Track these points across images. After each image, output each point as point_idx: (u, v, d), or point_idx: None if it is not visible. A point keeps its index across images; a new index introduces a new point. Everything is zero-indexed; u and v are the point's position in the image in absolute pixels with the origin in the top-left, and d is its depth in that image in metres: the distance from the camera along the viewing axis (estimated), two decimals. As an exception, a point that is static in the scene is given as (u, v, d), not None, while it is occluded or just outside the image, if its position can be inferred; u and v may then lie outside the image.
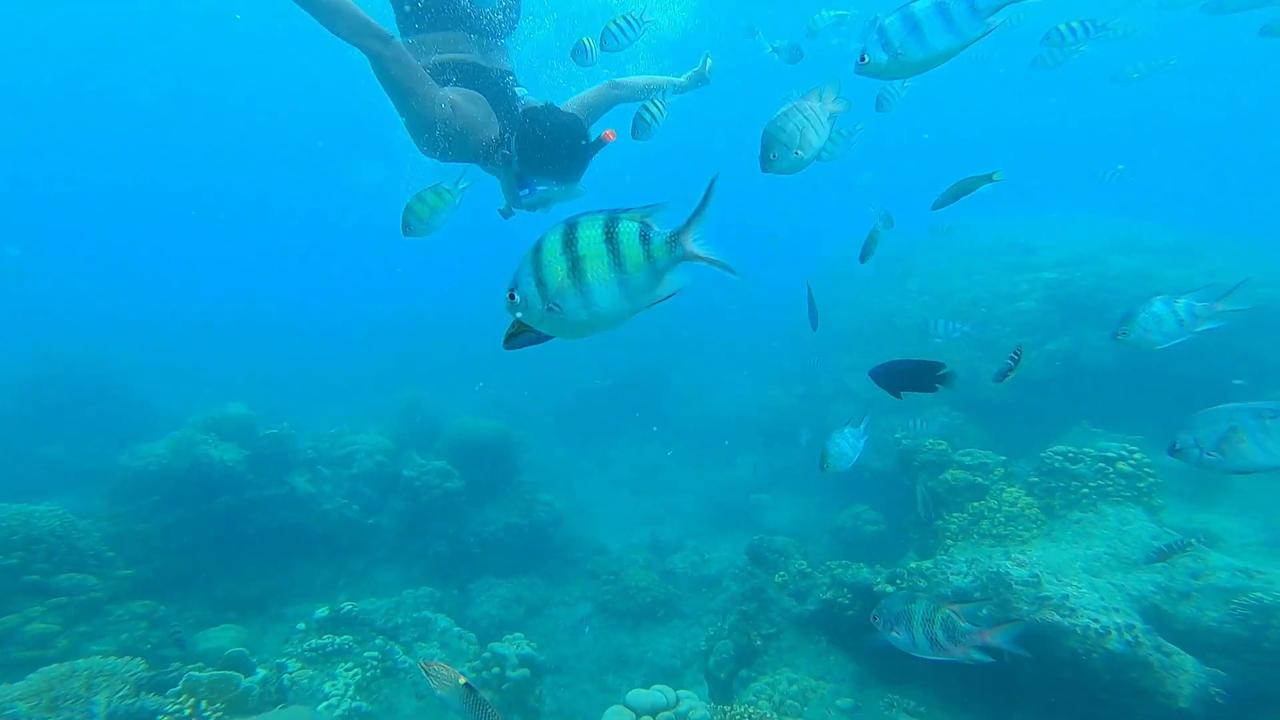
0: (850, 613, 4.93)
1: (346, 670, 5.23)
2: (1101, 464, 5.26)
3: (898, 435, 6.18)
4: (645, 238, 1.31)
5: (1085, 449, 5.45)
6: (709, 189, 1.31)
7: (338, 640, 5.45)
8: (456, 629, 6.14)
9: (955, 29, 1.87)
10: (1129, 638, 3.60)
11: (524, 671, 5.17)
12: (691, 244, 1.31)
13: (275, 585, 6.66)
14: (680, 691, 4.54)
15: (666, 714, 4.32)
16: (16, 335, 13.05)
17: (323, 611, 5.76)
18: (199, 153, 27.43)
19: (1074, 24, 4.83)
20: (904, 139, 22.00)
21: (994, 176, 3.19)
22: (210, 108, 22.01)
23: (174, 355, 14.06)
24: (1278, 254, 9.25)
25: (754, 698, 4.79)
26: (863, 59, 1.94)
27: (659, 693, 4.39)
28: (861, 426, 2.47)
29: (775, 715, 4.52)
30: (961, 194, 3.25)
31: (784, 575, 5.73)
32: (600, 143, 3.01)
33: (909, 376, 1.71)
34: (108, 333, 14.52)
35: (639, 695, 4.20)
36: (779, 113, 2.07)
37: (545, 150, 2.94)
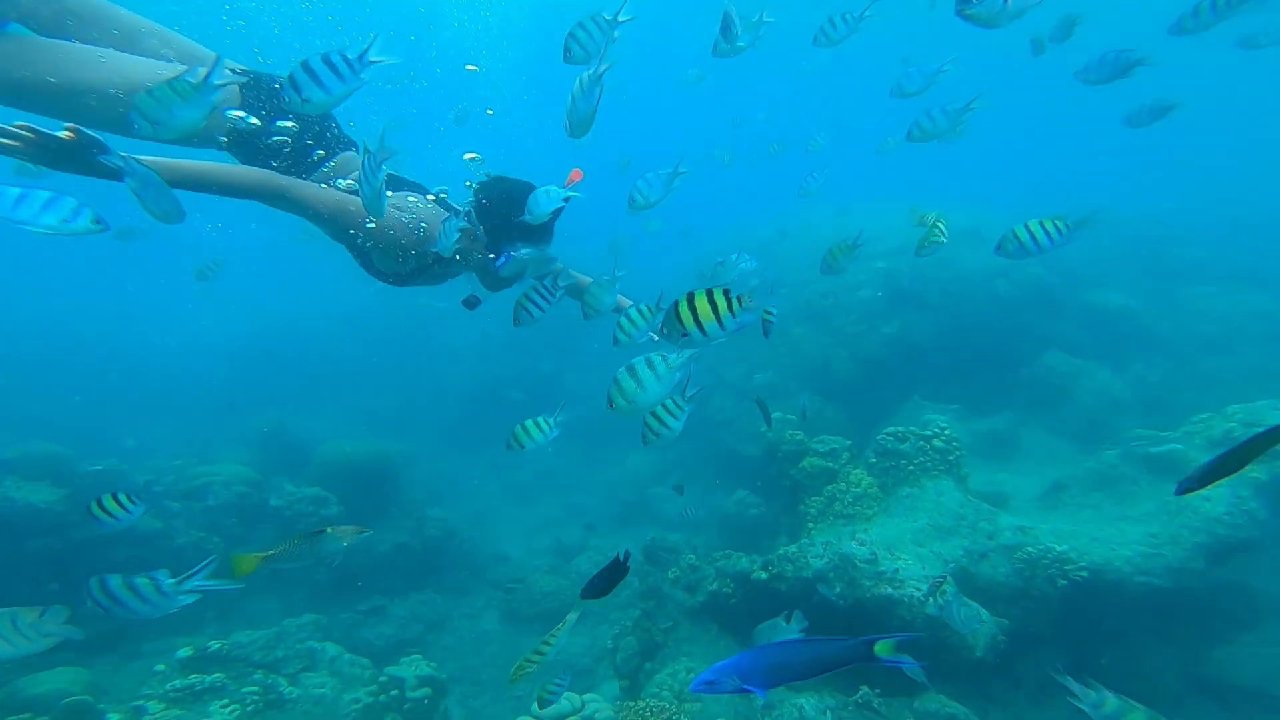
0: (734, 601, 5.60)
1: (223, 707, 4.73)
2: (921, 442, 6.18)
3: (763, 429, 6.90)
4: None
5: (910, 428, 6.38)
6: None
7: (208, 679, 4.91)
8: (348, 655, 5.87)
9: None
10: (941, 601, 4.50)
11: (425, 691, 5.21)
12: None
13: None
14: (586, 695, 5.04)
15: (574, 719, 4.81)
16: None
17: (185, 652, 5.17)
18: None
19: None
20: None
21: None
22: None
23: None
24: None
25: (657, 689, 5.35)
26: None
27: (565, 700, 4.85)
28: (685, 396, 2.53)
29: (677, 704, 5.14)
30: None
31: (676, 571, 6.34)
32: (565, 190, 2.92)
33: (608, 580, 2.21)
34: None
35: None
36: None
37: (509, 211, 2.94)
